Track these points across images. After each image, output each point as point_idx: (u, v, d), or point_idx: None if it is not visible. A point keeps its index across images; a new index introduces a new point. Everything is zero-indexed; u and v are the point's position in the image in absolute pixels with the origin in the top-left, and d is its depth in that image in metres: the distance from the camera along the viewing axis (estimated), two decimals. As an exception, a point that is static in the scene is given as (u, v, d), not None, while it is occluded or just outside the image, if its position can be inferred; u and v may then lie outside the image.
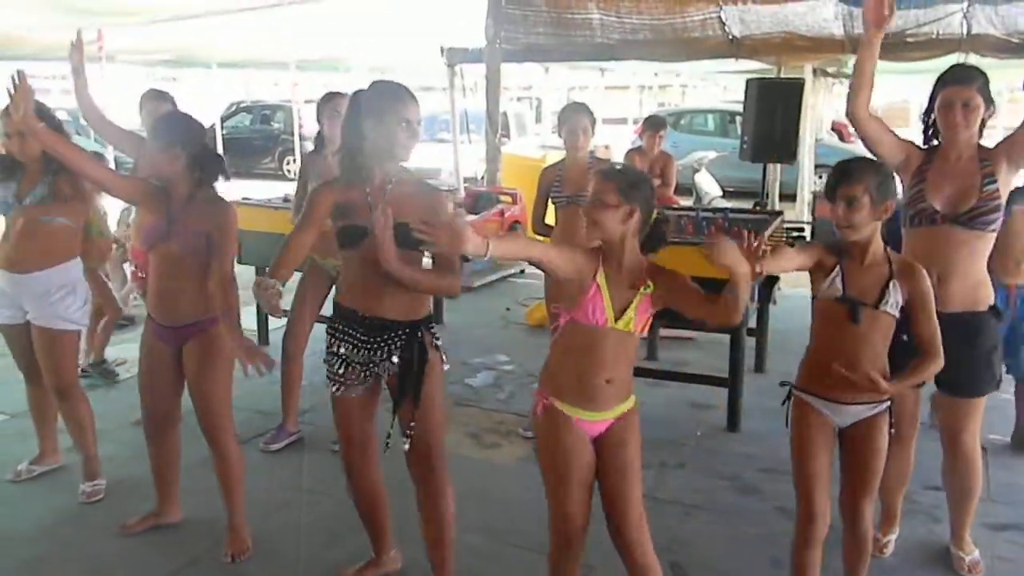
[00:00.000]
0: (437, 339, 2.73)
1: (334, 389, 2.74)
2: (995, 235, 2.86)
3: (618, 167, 2.48)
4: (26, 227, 3.42)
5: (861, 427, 2.55)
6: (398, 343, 2.63)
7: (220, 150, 3.34)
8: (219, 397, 3.08)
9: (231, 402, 3.18)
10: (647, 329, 2.41)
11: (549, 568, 2.55)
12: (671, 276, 2.38)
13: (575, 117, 4.23)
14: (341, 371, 2.70)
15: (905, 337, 2.56)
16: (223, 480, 3.16)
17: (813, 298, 2.59)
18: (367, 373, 2.68)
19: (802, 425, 2.59)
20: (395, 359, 2.63)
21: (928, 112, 2.93)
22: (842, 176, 2.45)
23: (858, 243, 2.49)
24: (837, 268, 2.50)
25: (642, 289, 2.33)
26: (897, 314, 2.48)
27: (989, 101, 2.84)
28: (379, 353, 2.64)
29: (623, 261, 2.34)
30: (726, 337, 4.39)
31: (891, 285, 2.47)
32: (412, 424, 2.64)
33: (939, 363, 2.50)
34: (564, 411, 2.39)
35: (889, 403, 2.55)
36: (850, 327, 2.47)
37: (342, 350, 2.69)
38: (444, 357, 2.75)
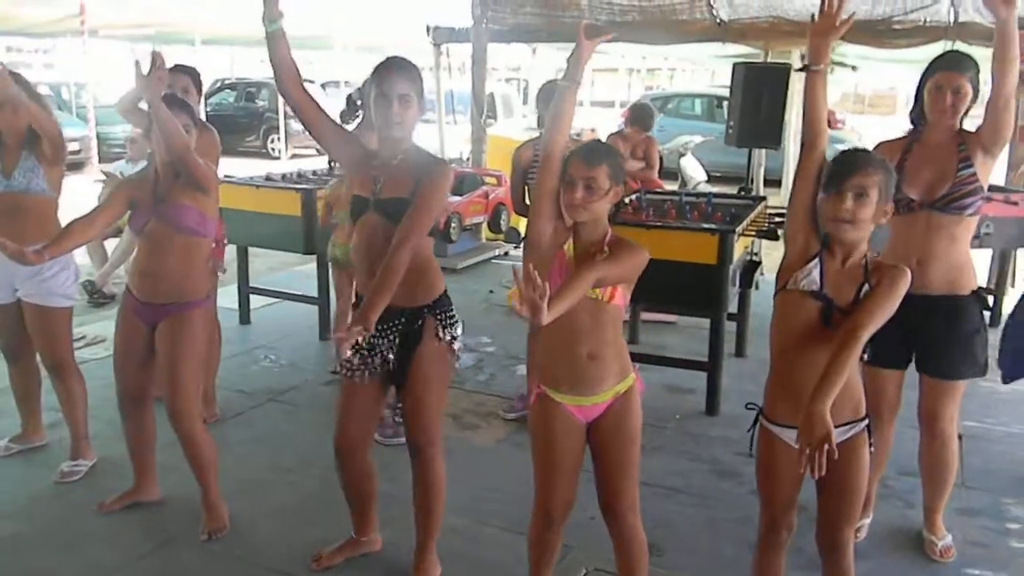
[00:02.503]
0: (448, 323, 2.70)
1: (343, 372, 2.76)
2: (974, 220, 2.88)
3: (595, 148, 2.40)
4: (14, 203, 3.39)
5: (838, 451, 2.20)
6: (399, 329, 2.65)
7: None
8: (186, 380, 3.05)
9: (199, 387, 3.18)
10: (616, 299, 2.30)
11: (529, 542, 2.56)
12: (625, 248, 2.29)
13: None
14: (351, 355, 2.72)
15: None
16: (193, 462, 3.15)
17: (777, 292, 2.30)
18: (374, 360, 2.69)
19: (768, 458, 2.35)
20: (392, 354, 2.66)
21: (917, 100, 2.92)
22: (853, 165, 2.15)
23: (843, 242, 2.20)
24: (817, 259, 2.22)
25: (598, 257, 2.28)
26: None
27: (976, 91, 2.85)
28: (384, 340, 2.66)
29: (593, 231, 2.33)
30: (706, 321, 4.41)
31: (863, 290, 2.16)
32: (399, 409, 2.66)
33: (847, 358, 2.04)
34: (555, 399, 2.38)
35: (867, 422, 2.28)
36: (821, 333, 2.18)
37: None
38: (454, 344, 2.72)
